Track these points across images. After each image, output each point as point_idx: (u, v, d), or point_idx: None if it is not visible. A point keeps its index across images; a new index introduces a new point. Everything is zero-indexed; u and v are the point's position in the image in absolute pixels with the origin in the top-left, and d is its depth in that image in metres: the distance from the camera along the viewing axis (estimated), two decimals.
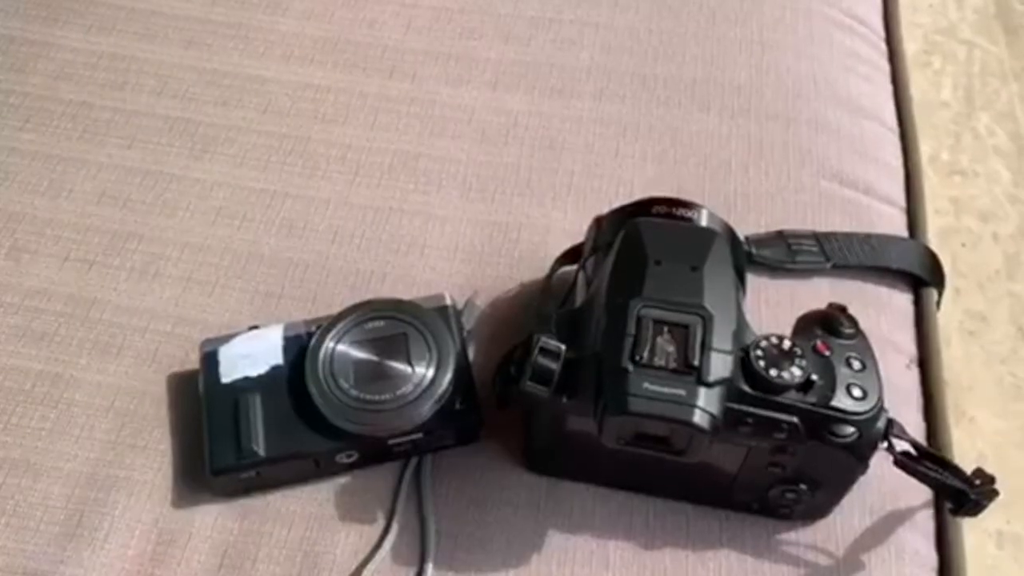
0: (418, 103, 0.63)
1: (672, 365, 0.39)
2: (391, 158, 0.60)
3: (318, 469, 0.46)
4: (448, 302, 0.50)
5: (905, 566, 0.46)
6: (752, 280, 0.53)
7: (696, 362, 0.39)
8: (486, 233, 0.56)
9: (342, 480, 0.47)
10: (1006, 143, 1.19)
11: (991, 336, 1.04)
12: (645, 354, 0.39)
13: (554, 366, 0.40)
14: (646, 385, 0.38)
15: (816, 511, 0.45)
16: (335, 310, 0.49)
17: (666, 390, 0.38)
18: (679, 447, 0.40)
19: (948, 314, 1.02)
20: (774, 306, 0.53)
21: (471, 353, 0.50)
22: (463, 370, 0.47)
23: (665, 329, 0.40)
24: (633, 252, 0.43)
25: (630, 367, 0.39)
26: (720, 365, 0.39)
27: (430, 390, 0.46)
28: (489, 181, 0.59)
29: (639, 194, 0.49)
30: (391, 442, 0.46)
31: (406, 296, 0.51)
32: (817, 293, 0.54)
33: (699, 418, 0.38)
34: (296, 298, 0.53)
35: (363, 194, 0.58)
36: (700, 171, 0.59)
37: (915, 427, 0.51)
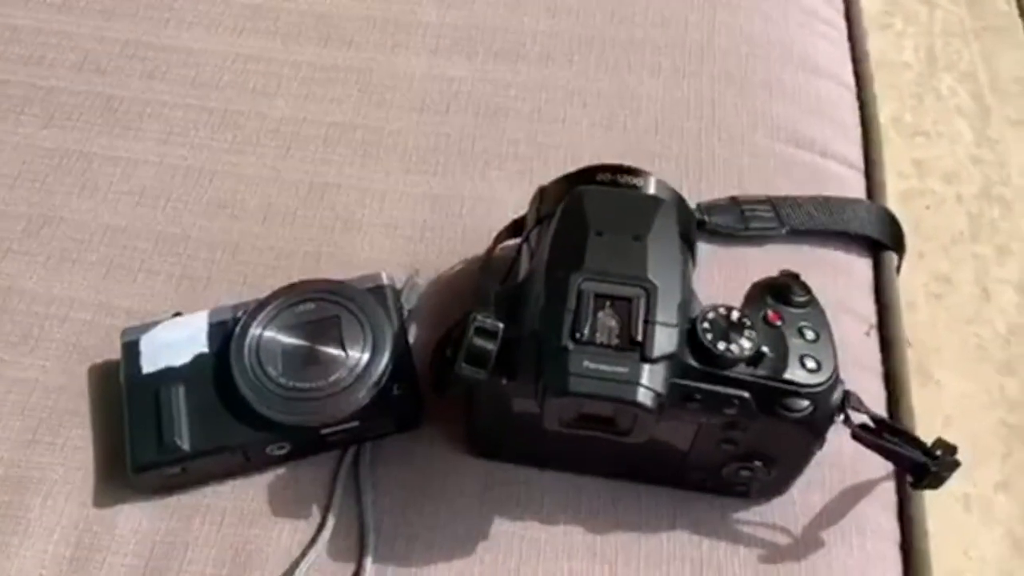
0: (355, 72, 0.59)
1: (614, 342, 0.37)
2: (326, 130, 0.57)
3: (248, 462, 0.44)
4: (385, 281, 0.47)
5: (867, 540, 0.44)
6: (705, 248, 0.51)
7: (639, 337, 0.37)
8: (428, 207, 0.54)
9: (275, 473, 0.44)
10: (968, 103, 1.17)
11: (956, 298, 1.03)
12: (586, 331, 0.37)
13: (491, 347, 0.38)
14: (587, 364, 0.36)
15: (773, 488, 0.44)
16: (267, 293, 0.46)
17: (608, 368, 0.36)
18: (624, 427, 0.37)
19: (913, 277, 1.01)
20: (727, 275, 0.50)
21: (412, 334, 0.47)
22: (401, 353, 0.44)
23: (607, 304, 0.37)
24: (574, 223, 0.40)
25: (570, 345, 0.36)
26: (665, 340, 0.37)
27: (365, 375, 0.43)
28: (430, 152, 0.56)
29: (588, 162, 0.46)
30: (325, 432, 0.43)
31: (343, 276, 0.48)
32: (772, 260, 0.51)
33: (643, 396, 0.36)
34: (225, 282, 0.50)
35: (297, 169, 0.55)
36: (651, 137, 0.57)
37: (875, 395, 0.49)
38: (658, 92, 0.58)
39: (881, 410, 0.48)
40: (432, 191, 0.54)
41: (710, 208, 0.52)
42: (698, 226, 0.51)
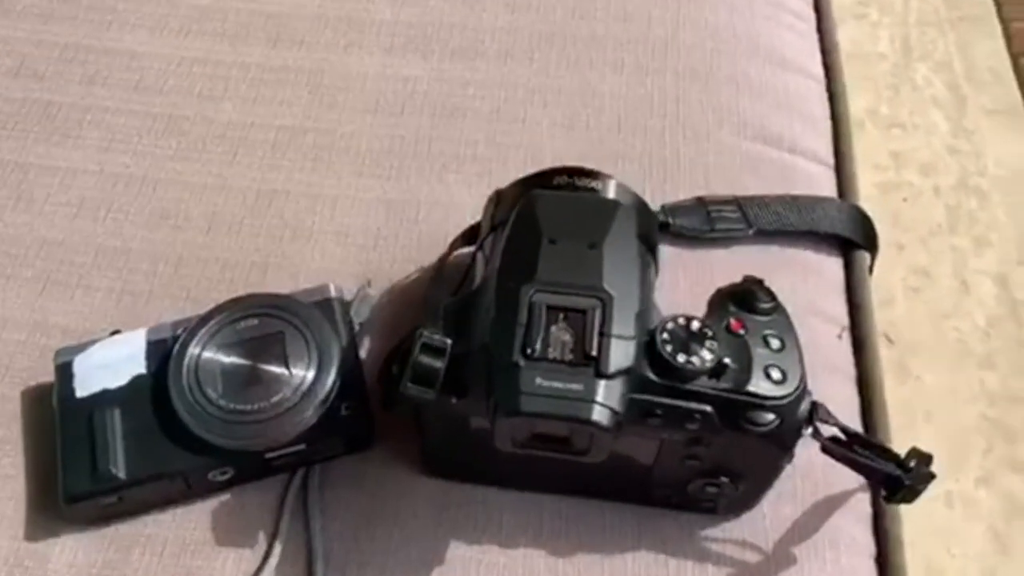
0: (305, 73, 0.57)
1: (568, 357, 0.35)
2: (275, 134, 0.54)
3: (189, 489, 0.41)
4: (333, 293, 0.45)
5: (841, 555, 0.42)
6: (669, 252, 0.49)
7: (594, 352, 0.35)
8: (381, 213, 0.51)
9: (218, 499, 0.42)
10: (944, 93, 1.16)
11: (934, 292, 1.02)
12: (538, 346, 0.35)
13: (438, 364, 0.35)
14: (539, 381, 0.34)
15: (742, 503, 0.42)
16: (210, 308, 0.44)
17: (561, 385, 0.34)
18: (581, 447, 0.35)
19: (891, 271, 1.00)
20: (693, 279, 0.49)
21: (364, 349, 0.45)
22: (350, 370, 0.42)
23: (560, 316, 0.35)
24: (526, 230, 0.38)
25: (521, 361, 0.34)
26: (621, 353, 0.35)
27: (311, 395, 0.41)
28: (384, 155, 0.54)
29: (549, 163, 0.44)
30: (270, 455, 0.41)
31: (292, 287, 0.46)
32: (740, 262, 0.50)
33: (598, 415, 0.34)
34: (167, 296, 0.48)
35: (244, 176, 0.53)
36: (614, 135, 0.55)
37: (848, 402, 0.47)
38: (621, 89, 0.56)
39: (855, 416, 0.47)
40: (386, 196, 0.52)
41: (675, 210, 0.50)
42: (662, 228, 0.49)
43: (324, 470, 0.43)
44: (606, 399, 0.34)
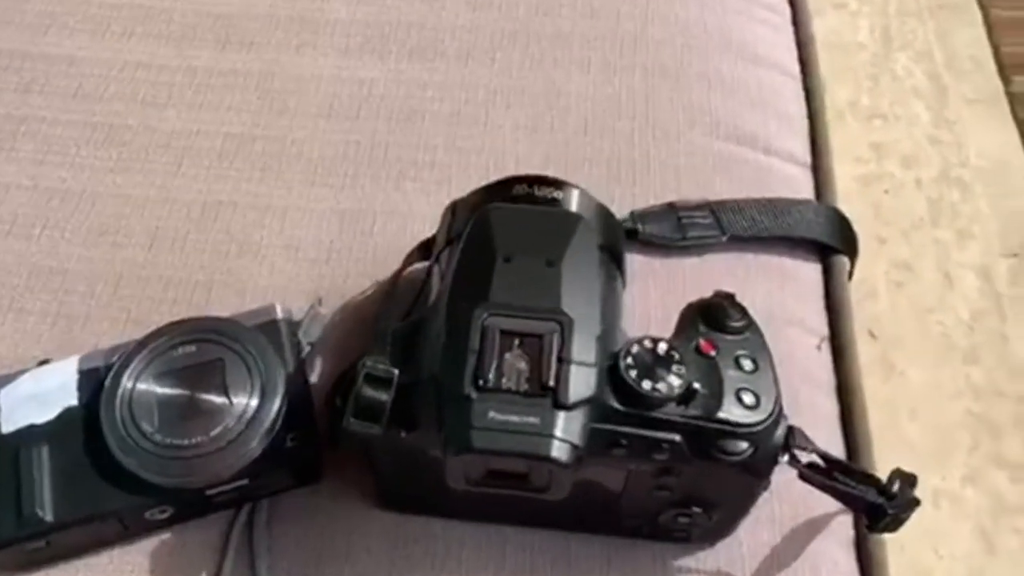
0: (255, 76, 0.54)
1: (524, 387, 0.32)
2: (222, 142, 0.51)
3: (125, 530, 0.39)
4: (279, 315, 0.42)
5: None
6: (639, 261, 0.47)
7: (552, 381, 0.32)
8: (334, 225, 0.48)
9: (159, 539, 0.39)
10: (924, 83, 1.14)
11: (917, 286, 1.00)
12: (491, 375, 0.32)
13: (384, 397, 0.33)
14: (492, 414, 0.31)
15: (717, 532, 0.39)
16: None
17: (517, 419, 0.31)
18: (540, 484, 0.33)
19: (873, 265, 0.98)
20: (664, 289, 0.46)
21: (315, 373, 0.42)
22: (297, 397, 0.39)
23: (515, 342, 0.33)
24: (480, 248, 0.35)
25: (473, 393, 0.32)
26: (582, 382, 0.32)
27: (253, 426, 0.38)
28: (338, 163, 0.51)
29: (512, 168, 0.42)
30: (211, 492, 0.38)
31: (239, 307, 0.43)
32: (713, 271, 0.47)
33: (557, 451, 0.31)
34: (106, 319, 0.45)
35: (188, 188, 0.50)
36: (580, 138, 0.52)
37: (829, 416, 0.45)
38: (587, 89, 0.54)
39: (835, 432, 0.44)
40: (339, 206, 0.49)
41: (644, 216, 0.48)
42: (631, 236, 0.46)
43: (271, 505, 0.40)
44: (565, 433, 0.31)
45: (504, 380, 0.32)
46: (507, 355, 0.32)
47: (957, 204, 1.05)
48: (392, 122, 0.52)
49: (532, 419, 0.31)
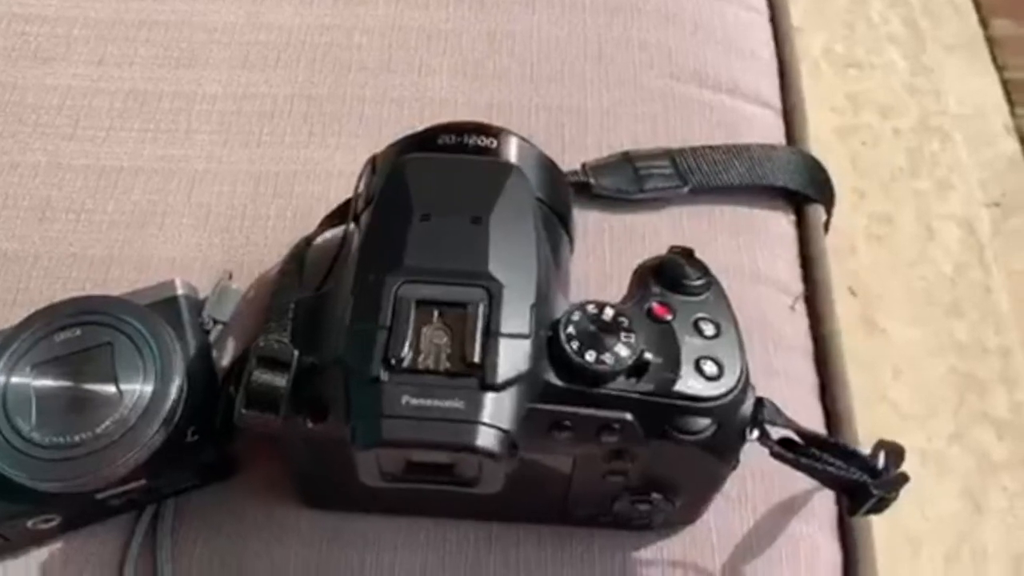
0: (161, 27, 0.48)
1: (444, 366, 0.27)
2: (123, 100, 0.46)
3: (8, 543, 0.34)
4: (179, 291, 0.37)
5: (800, 568, 0.36)
6: (592, 219, 0.42)
7: (477, 358, 0.27)
8: (250, 189, 0.43)
9: (48, 549, 0.34)
10: (900, 30, 1.10)
11: (898, 239, 0.97)
12: (406, 353, 0.27)
13: (280, 382, 0.28)
14: (407, 399, 0.27)
15: (681, 518, 0.35)
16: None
17: (436, 403, 0.27)
18: (469, 476, 0.28)
19: (853, 219, 0.95)
20: (620, 249, 0.42)
21: (226, 357, 0.37)
22: (199, 385, 0.34)
23: (434, 314, 0.28)
24: (393, 205, 0.30)
25: (384, 375, 0.27)
26: (514, 357, 0.28)
27: (147, 418, 0.33)
28: (254, 119, 0.45)
29: (451, 119, 0.36)
30: (102, 496, 0.33)
31: (141, 285, 0.38)
32: (674, 226, 0.43)
33: (484, 439, 0.26)
34: None
35: (85, 151, 0.44)
36: (525, 84, 0.47)
37: (805, 384, 0.40)
38: (532, 30, 0.48)
39: (813, 401, 0.40)
40: (255, 167, 0.44)
41: (597, 168, 0.43)
42: (581, 191, 0.42)
43: (178, 504, 0.35)
44: (494, 417, 0.27)
45: (421, 359, 0.27)
46: (424, 329, 0.28)
47: (937, 153, 1.02)
48: (314, 72, 0.47)
49: (454, 403, 0.27)
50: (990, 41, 1.09)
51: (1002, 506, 0.81)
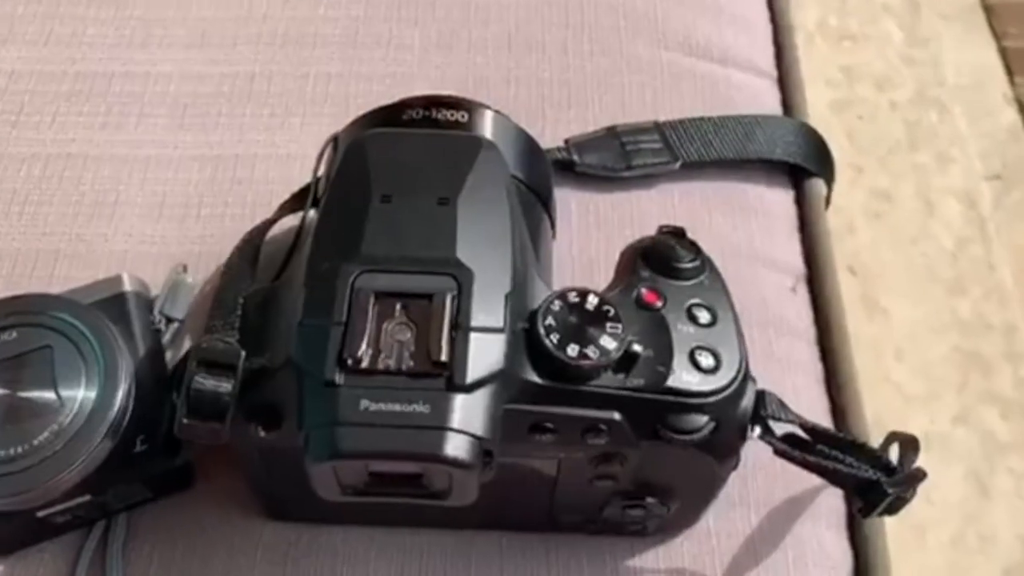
0: (111, 5, 0.45)
1: (408, 365, 0.24)
2: (71, 83, 0.43)
3: None
4: (127, 287, 0.34)
5: (807, 572, 0.33)
6: (577, 199, 0.39)
7: (444, 356, 0.24)
8: (206, 174, 0.40)
9: None
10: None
11: (898, 215, 0.94)
12: (364, 353, 0.24)
13: (226, 387, 0.25)
14: (366, 404, 0.24)
15: (679, 523, 0.32)
16: None
17: (399, 408, 0.24)
18: (438, 488, 0.25)
19: (851, 196, 0.92)
20: (608, 232, 0.39)
21: (181, 357, 0.34)
22: (149, 390, 0.31)
23: (396, 307, 0.25)
24: (351, 186, 0.28)
25: (339, 378, 0.24)
26: (486, 353, 0.25)
27: (90, 427, 0.30)
28: (211, 100, 0.42)
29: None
30: (44, 514, 0.30)
31: (89, 281, 0.35)
32: (665, 205, 0.40)
33: (454, 448, 0.24)
34: None
35: (29, 139, 0.41)
36: (503, 55, 0.44)
37: (808, 372, 0.38)
38: None
39: (819, 391, 0.37)
40: (212, 152, 0.41)
41: (581, 144, 0.40)
42: (565, 169, 0.39)
43: (131, 519, 0.32)
44: (464, 423, 0.24)
45: (381, 358, 0.24)
46: (385, 324, 0.25)
47: (935, 126, 0.99)
48: (276, 48, 0.44)
49: (419, 407, 0.24)
50: (987, 9, 1.06)
51: (1009, 488, 0.79)
